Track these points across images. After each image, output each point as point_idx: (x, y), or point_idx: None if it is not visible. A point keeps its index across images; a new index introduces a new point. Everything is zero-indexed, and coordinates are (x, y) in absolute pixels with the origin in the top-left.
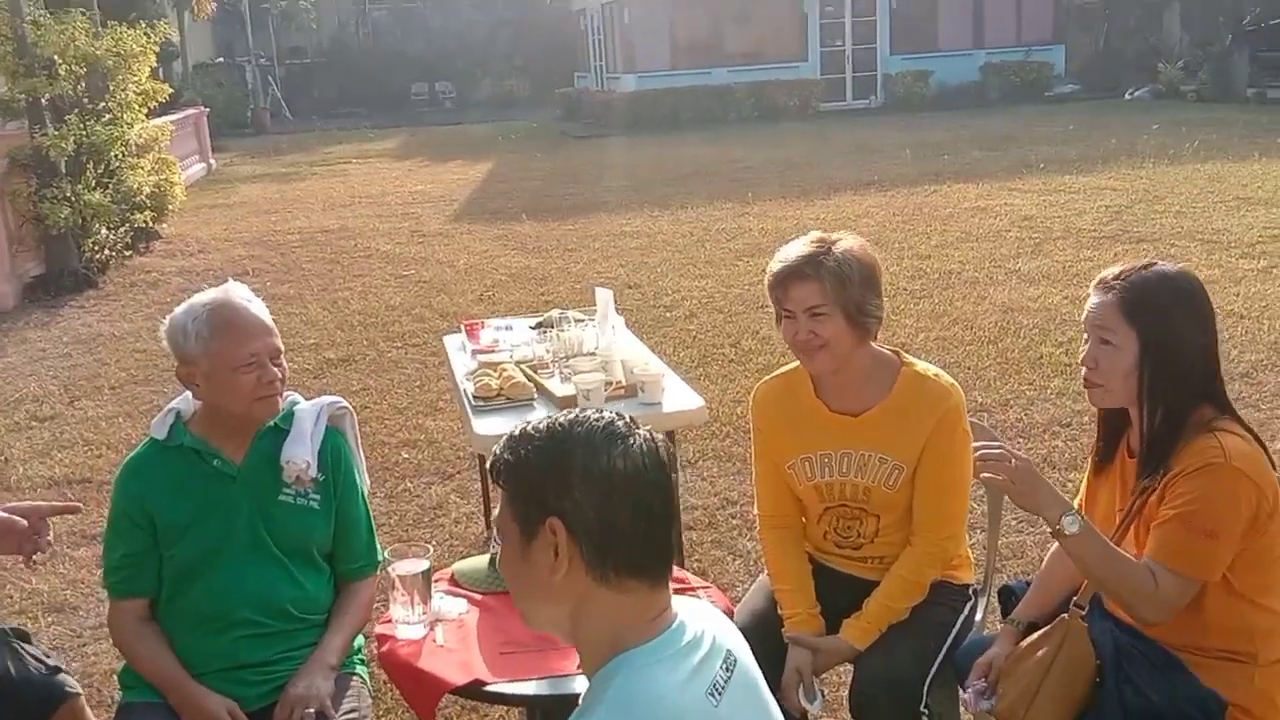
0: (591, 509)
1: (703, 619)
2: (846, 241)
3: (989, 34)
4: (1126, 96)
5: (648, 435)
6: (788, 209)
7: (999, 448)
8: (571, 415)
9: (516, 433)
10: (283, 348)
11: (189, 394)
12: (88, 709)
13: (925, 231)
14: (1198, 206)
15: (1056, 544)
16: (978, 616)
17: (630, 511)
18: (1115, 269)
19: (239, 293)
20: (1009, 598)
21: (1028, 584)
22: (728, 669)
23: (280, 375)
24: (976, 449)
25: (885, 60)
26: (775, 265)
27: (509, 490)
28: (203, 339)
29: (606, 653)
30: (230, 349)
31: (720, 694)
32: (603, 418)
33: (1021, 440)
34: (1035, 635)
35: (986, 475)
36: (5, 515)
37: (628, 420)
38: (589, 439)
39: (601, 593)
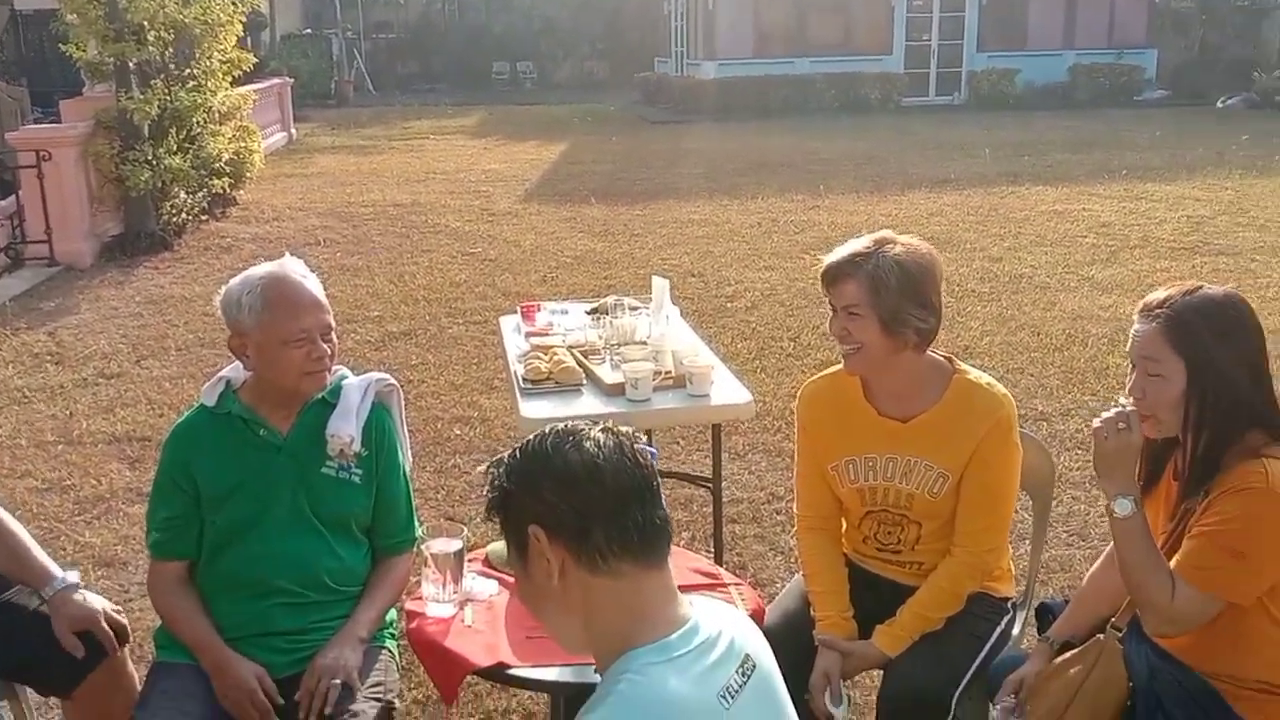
0: (560, 504)
1: (722, 621)
2: (900, 246)
3: (1080, 34)
4: (1218, 105)
5: (608, 429)
6: (859, 204)
7: (1129, 415)
8: (534, 434)
9: (490, 467)
10: (334, 324)
11: (240, 363)
12: (130, 663)
13: (999, 233)
14: None
15: (1097, 564)
16: (1015, 630)
17: (598, 495)
18: (1160, 294)
19: (294, 268)
20: (1046, 615)
21: (1065, 602)
22: (744, 673)
23: (330, 351)
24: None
25: (971, 57)
26: (828, 258)
27: (499, 518)
28: (255, 312)
29: (617, 649)
30: (281, 323)
31: (733, 697)
32: (556, 426)
33: (1080, 452)
34: (1069, 654)
35: (1097, 425)
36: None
37: (585, 422)
38: (541, 447)
39: (600, 583)
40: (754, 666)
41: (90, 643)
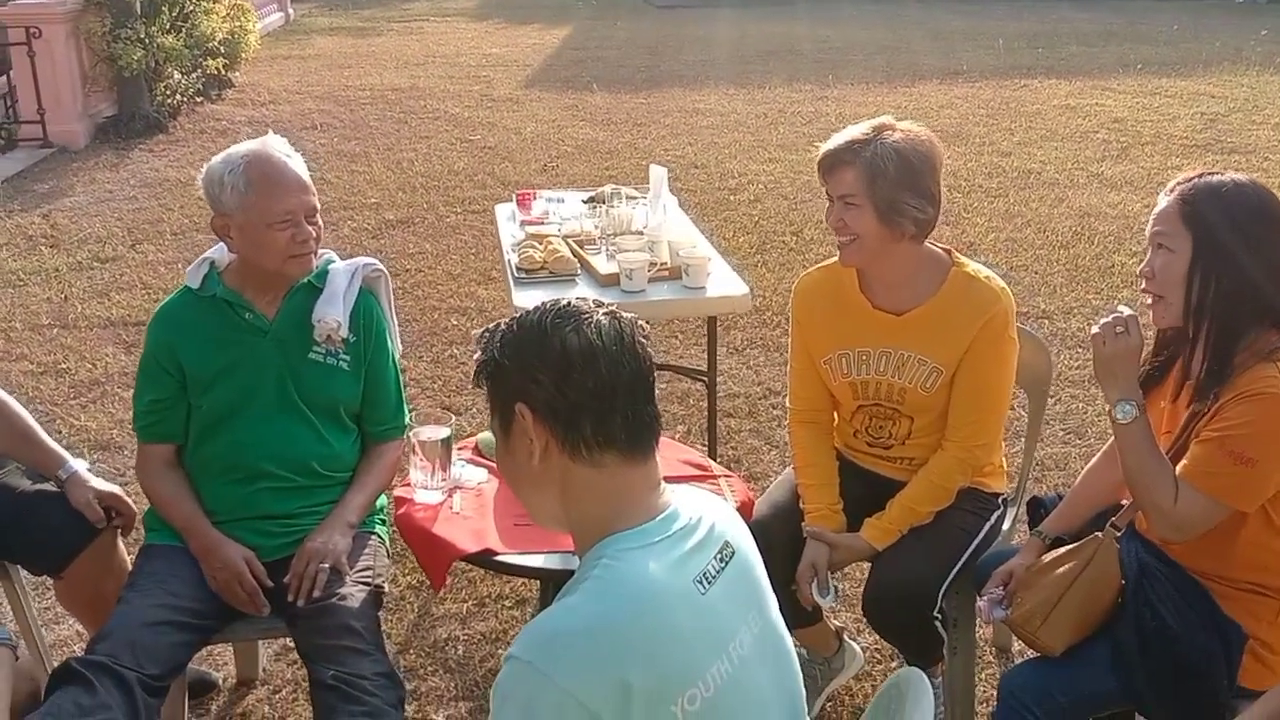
0: (552, 387)
1: (701, 508)
2: (899, 133)
3: None
4: None
5: (610, 313)
6: (869, 95)
7: (1126, 319)
8: (535, 306)
9: (483, 333)
10: (319, 206)
11: (224, 244)
12: (121, 544)
13: (1009, 127)
14: None
15: (1094, 461)
16: (1005, 526)
17: (592, 385)
18: (1186, 174)
19: (278, 146)
20: (1037, 510)
21: (1059, 498)
22: (722, 559)
23: (315, 234)
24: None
25: None
26: (825, 145)
27: (486, 388)
28: (238, 192)
29: (595, 535)
30: (265, 204)
31: (710, 583)
32: (559, 302)
33: (1081, 350)
34: (1062, 550)
35: (1095, 331)
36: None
37: (590, 302)
38: (540, 324)
39: (580, 471)
40: (733, 553)
41: (83, 524)
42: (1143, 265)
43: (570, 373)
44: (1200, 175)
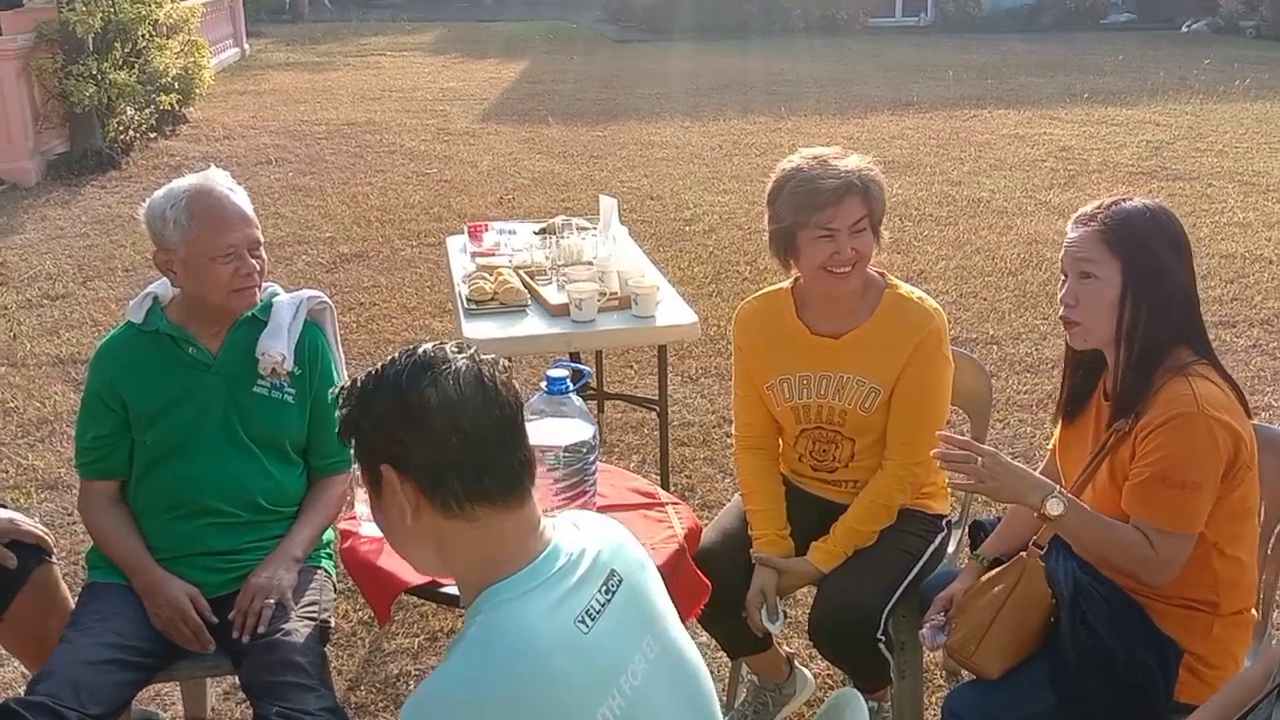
0: (414, 446)
1: (586, 539)
2: (860, 157)
3: None
4: (1183, 29)
5: (470, 358)
6: (822, 126)
7: (961, 444)
8: (390, 358)
9: (342, 390)
10: (262, 239)
11: (167, 279)
12: (62, 584)
13: (959, 157)
14: (1241, 147)
15: None
16: (949, 549)
17: (454, 440)
18: (1092, 204)
19: (220, 180)
20: (979, 533)
21: (999, 520)
22: (608, 591)
23: (259, 267)
24: (935, 453)
25: None
26: (817, 182)
27: (352, 446)
28: (180, 226)
29: (475, 586)
30: (208, 238)
31: (594, 619)
32: (415, 351)
33: (1029, 375)
34: (993, 572)
35: (956, 481)
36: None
37: (448, 348)
38: (397, 381)
39: (454, 526)
40: (620, 581)
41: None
42: (1063, 293)
43: (432, 431)
44: (1113, 202)
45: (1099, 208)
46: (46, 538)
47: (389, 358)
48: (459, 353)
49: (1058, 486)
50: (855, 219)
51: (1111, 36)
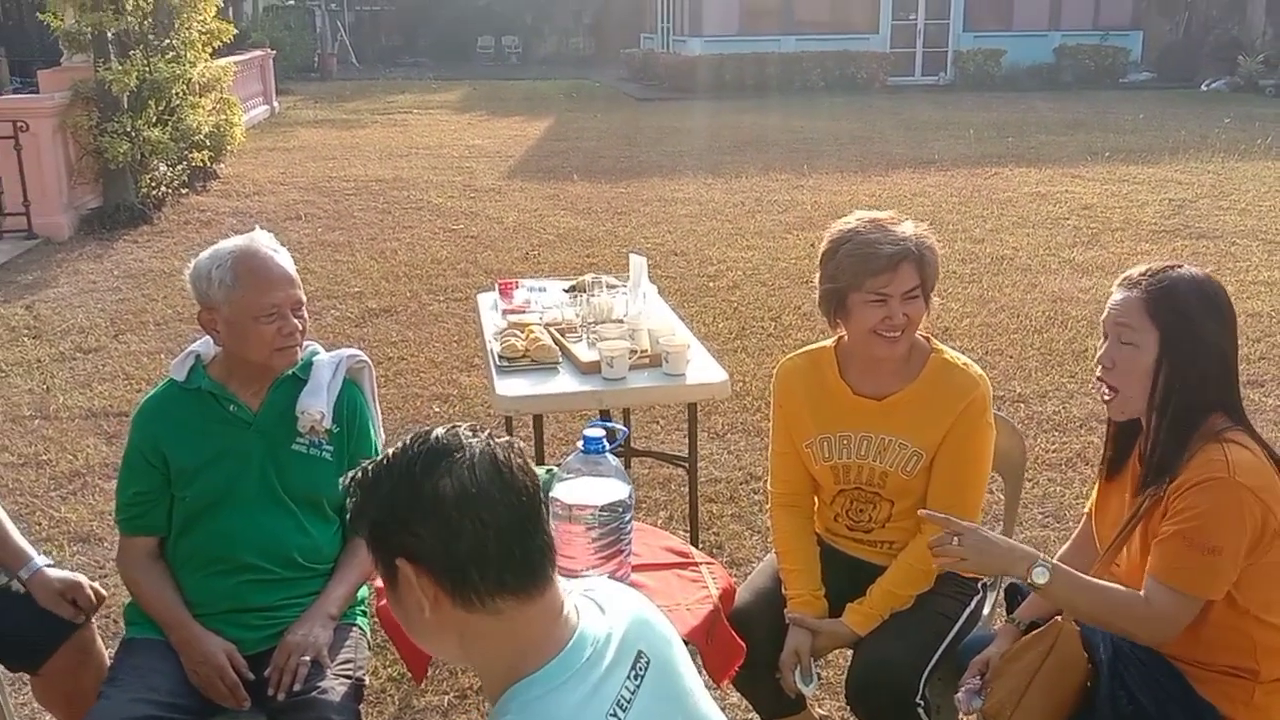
0: (431, 540)
1: (611, 620)
2: (916, 223)
3: (1066, 16)
4: (1202, 88)
5: (484, 443)
6: (843, 184)
7: (940, 524)
8: (398, 445)
9: (351, 482)
10: (304, 299)
11: (210, 337)
12: (99, 639)
13: (981, 214)
14: (1264, 205)
15: (1065, 547)
16: (985, 611)
17: (472, 532)
18: (1141, 267)
19: (264, 241)
20: (1015, 596)
21: None
22: (637, 676)
23: (301, 327)
24: (930, 543)
25: (957, 37)
26: (874, 247)
27: (363, 539)
28: (225, 286)
29: (500, 682)
30: (252, 298)
31: (627, 707)
32: (427, 440)
33: (1056, 434)
34: (1028, 637)
35: (941, 562)
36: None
37: (461, 432)
38: (410, 471)
39: (476, 620)
40: (647, 663)
41: (56, 620)
42: (1101, 354)
43: (449, 523)
44: (1160, 269)
45: (1145, 274)
46: (102, 593)
47: (400, 443)
48: (472, 436)
49: (1041, 556)
50: (909, 286)
51: (1131, 95)
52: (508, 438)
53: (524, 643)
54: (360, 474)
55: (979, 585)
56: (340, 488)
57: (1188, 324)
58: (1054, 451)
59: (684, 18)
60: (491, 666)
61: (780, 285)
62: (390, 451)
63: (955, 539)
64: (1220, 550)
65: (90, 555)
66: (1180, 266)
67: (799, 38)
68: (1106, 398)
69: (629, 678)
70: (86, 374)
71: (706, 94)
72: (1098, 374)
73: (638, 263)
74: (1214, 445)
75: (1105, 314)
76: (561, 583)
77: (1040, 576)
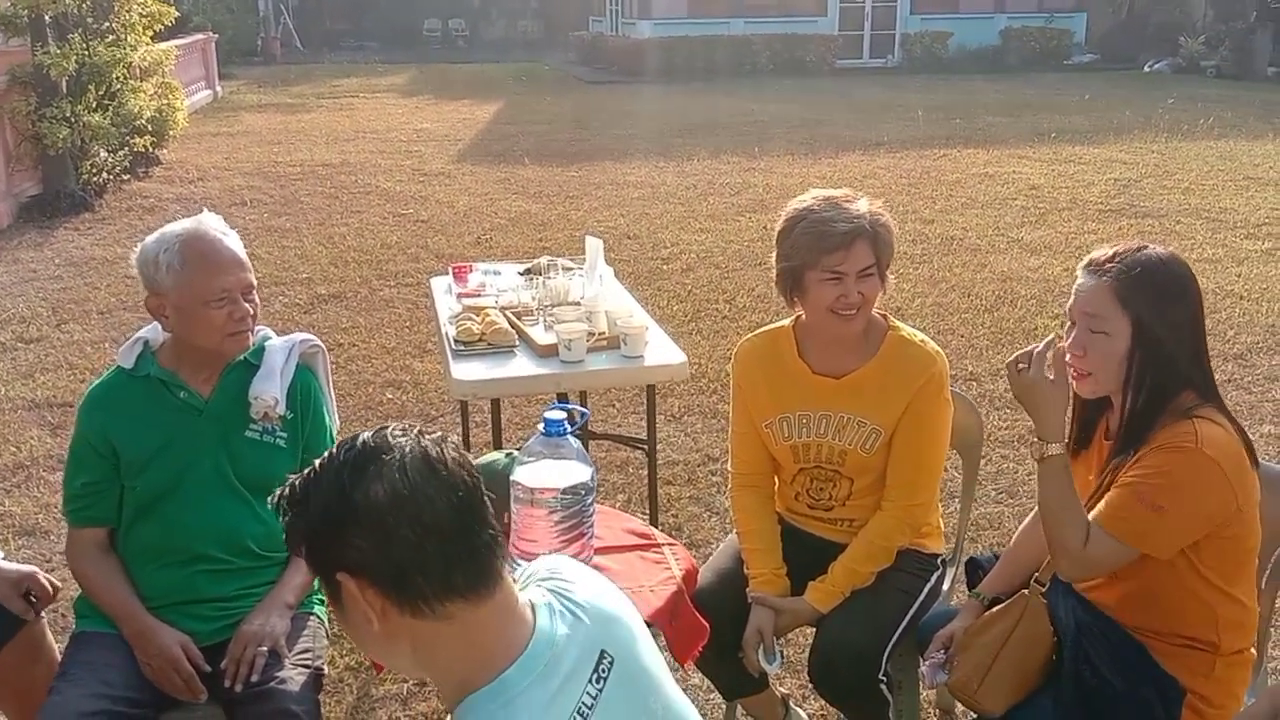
0: (369, 549)
1: (569, 618)
2: (870, 200)
3: None
4: (1145, 69)
5: (413, 442)
6: (794, 166)
7: (1031, 353)
8: (327, 453)
9: (279, 497)
10: (255, 283)
11: (158, 324)
12: (49, 633)
13: (930, 196)
14: (1207, 184)
15: (1027, 521)
16: (945, 587)
17: (410, 536)
18: (1106, 250)
19: (213, 224)
20: (975, 571)
21: (995, 558)
22: (600, 679)
23: (252, 311)
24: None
25: (905, 19)
26: (828, 225)
27: (301, 556)
28: (173, 270)
29: (456, 692)
30: (201, 282)
31: (590, 711)
32: (354, 446)
33: (1009, 411)
34: (994, 610)
35: (1021, 367)
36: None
37: (389, 433)
38: (337, 480)
39: (427, 627)
40: (611, 664)
41: (5, 614)
42: (1068, 340)
43: (385, 530)
44: (1126, 253)
45: (1111, 258)
46: (58, 590)
47: (326, 453)
48: (401, 435)
49: (1063, 440)
50: (864, 264)
51: (1075, 77)
52: (439, 432)
53: (479, 648)
54: (288, 490)
55: (938, 561)
56: (270, 506)
57: (1159, 310)
58: (1006, 429)
59: (633, 0)
60: (447, 674)
61: (733, 268)
62: (317, 463)
63: (1023, 364)
64: (1164, 510)
65: (36, 549)
66: (1146, 247)
67: (748, 20)
68: (1076, 380)
69: (591, 681)
70: (29, 364)
71: (656, 77)
72: (1067, 359)
73: (594, 245)
74: (1184, 422)
75: (1072, 300)
76: (519, 572)
77: (1054, 450)
